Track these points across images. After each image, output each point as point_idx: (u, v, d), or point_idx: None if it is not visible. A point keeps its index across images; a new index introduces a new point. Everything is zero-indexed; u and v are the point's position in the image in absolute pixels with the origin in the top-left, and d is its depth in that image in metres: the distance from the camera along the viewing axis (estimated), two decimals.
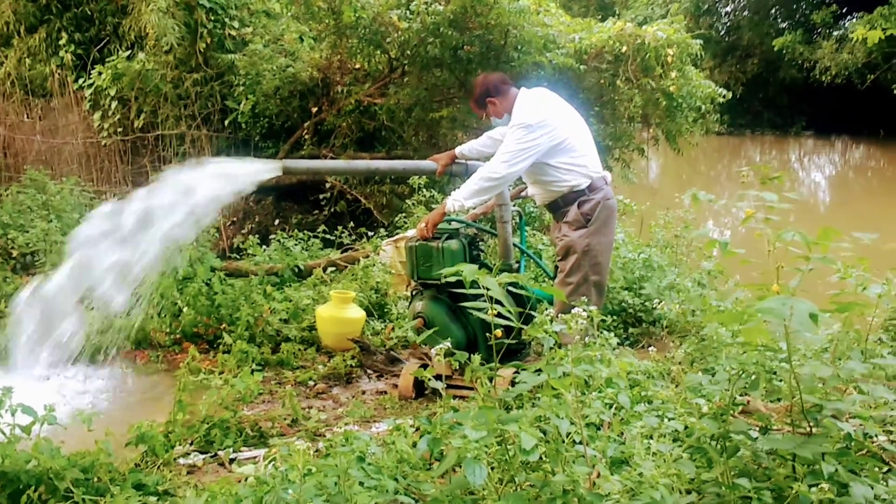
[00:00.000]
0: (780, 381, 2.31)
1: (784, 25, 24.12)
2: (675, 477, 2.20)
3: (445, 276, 2.10)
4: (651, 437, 2.43)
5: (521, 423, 1.81)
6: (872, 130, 23.01)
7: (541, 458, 1.93)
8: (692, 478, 2.20)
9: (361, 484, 2.18)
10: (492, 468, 2.18)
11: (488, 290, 1.86)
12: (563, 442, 1.92)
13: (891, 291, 3.83)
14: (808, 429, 2.06)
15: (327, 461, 2.08)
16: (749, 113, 25.73)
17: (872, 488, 1.94)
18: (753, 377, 2.09)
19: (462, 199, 4.08)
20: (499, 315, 2.16)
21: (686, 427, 2.22)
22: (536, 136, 4.04)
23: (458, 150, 4.65)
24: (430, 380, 2.16)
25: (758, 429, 2.17)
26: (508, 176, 4.09)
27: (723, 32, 26.16)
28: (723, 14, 26.09)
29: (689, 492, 2.24)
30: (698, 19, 24.57)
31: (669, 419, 2.50)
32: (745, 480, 1.88)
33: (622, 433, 2.76)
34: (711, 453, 2.01)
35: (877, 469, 2.15)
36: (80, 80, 8.95)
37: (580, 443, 2.71)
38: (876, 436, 2.40)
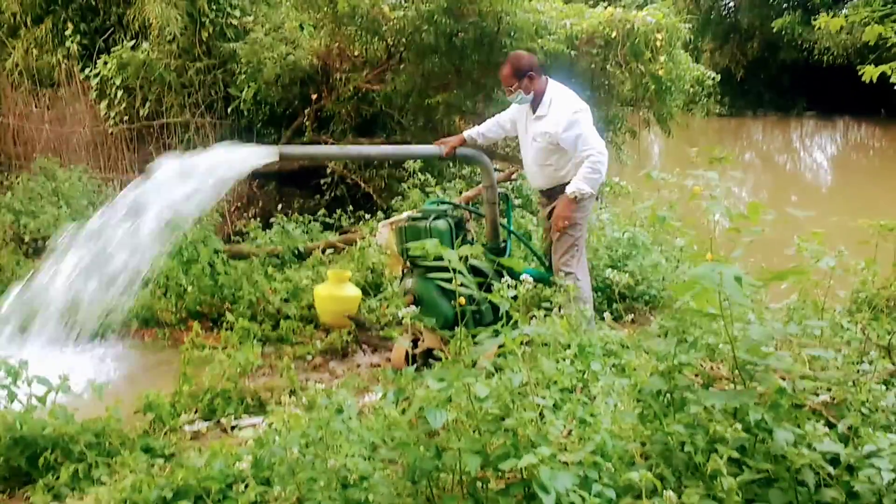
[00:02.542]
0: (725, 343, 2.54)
1: (785, 6, 24.11)
2: (631, 430, 2.44)
3: (415, 252, 2.33)
4: (610, 396, 2.68)
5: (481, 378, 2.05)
6: (873, 110, 23.03)
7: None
8: (651, 432, 2.44)
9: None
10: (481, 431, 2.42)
11: (449, 261, 2.09)
12: (520, 395, 2.15)
13: (858, 265, 4.07)
14: (744, 383, 2.30)
15: (311, 414, 2.34)
16: (750, 94, 25.79)
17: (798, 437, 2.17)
18: (692, 339, 2.33)
19: (587, 188, 4.54)
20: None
21: (636, 385, 2.45)
22: (587, 116, 4.60)
23: (466, 133, 4.97)
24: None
25: (700, 385, 2.41)
26: (604, 155, 4.58)
27: (724, 14, 26.19)
28: None
29: (643, 443, 2.48)
30: (699, 1, 24.60)
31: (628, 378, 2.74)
32: (682, 427, 2.11)
33: (594, 397, 3.01)
34: (654, 406, 2.24)
35: (813, 422, 2.38)
36: (87, 70, 9.17)
37: (554, 407, 2.96)
38: (817, 393, 2.64)
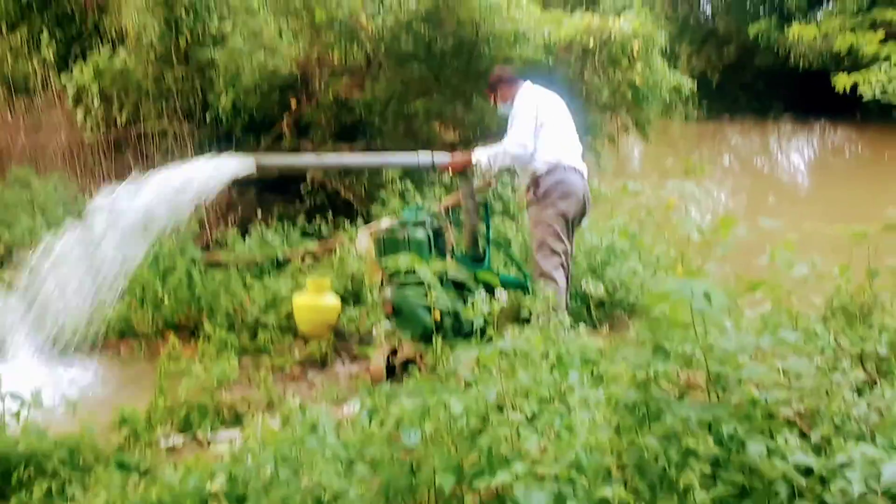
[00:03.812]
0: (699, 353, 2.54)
1: (761, 12, 24.28)
2: (607, 442, 2.44)
3: (391, 267, 2.32)
4: (587, 408, 2.67)
5: (457, 393, 2.04)
6: (849, 113, 23.25)
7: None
8: (627, 444, 2.45)
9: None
10: (457, 447, 2.41)
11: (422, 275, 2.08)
12: (497, 409, 2.15)
13: (832, 272, 4.08)
14: (716, 395, 2.31)
15: (284, 430, 2.32)
16: (727, 98, 25.95)
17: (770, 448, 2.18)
18: (668, 349, 2.33)
19: (485, 159, 4.70)
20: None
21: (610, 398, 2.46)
22: (528, 109, 4.71)
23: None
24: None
25: (675, 396, 2.41)
26: (519, 146, 4.67)
27: (701, 19, 26.36)
28: (701, 1, 26.28)
29: (619, 455, 2.48)
30: (676, 6, 24.77)
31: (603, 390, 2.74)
32: (655, 440, 2.12)
33: (571, 408, 3.00)
34: (629, 418, 2.24)
35: (786, 433, 2.39)
36: (63, 78, 9.08)
37: (531, 419, 2.95)
38: (791, 403, 2.65)
